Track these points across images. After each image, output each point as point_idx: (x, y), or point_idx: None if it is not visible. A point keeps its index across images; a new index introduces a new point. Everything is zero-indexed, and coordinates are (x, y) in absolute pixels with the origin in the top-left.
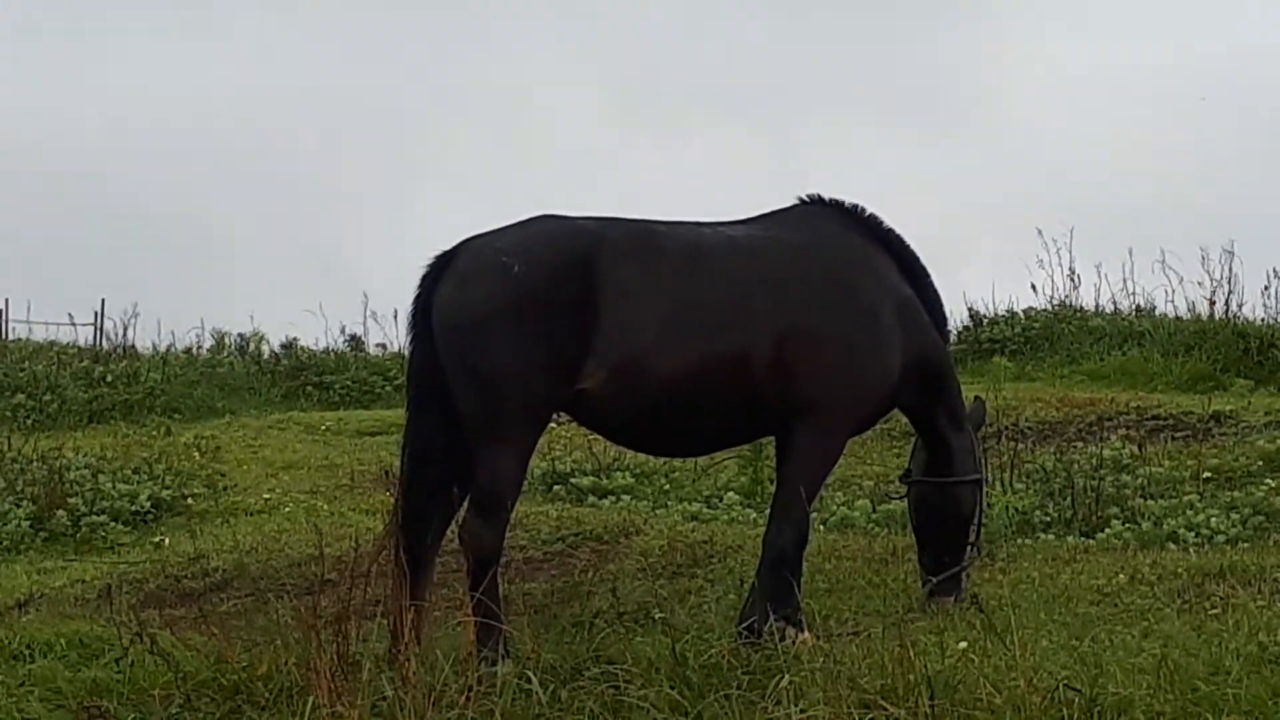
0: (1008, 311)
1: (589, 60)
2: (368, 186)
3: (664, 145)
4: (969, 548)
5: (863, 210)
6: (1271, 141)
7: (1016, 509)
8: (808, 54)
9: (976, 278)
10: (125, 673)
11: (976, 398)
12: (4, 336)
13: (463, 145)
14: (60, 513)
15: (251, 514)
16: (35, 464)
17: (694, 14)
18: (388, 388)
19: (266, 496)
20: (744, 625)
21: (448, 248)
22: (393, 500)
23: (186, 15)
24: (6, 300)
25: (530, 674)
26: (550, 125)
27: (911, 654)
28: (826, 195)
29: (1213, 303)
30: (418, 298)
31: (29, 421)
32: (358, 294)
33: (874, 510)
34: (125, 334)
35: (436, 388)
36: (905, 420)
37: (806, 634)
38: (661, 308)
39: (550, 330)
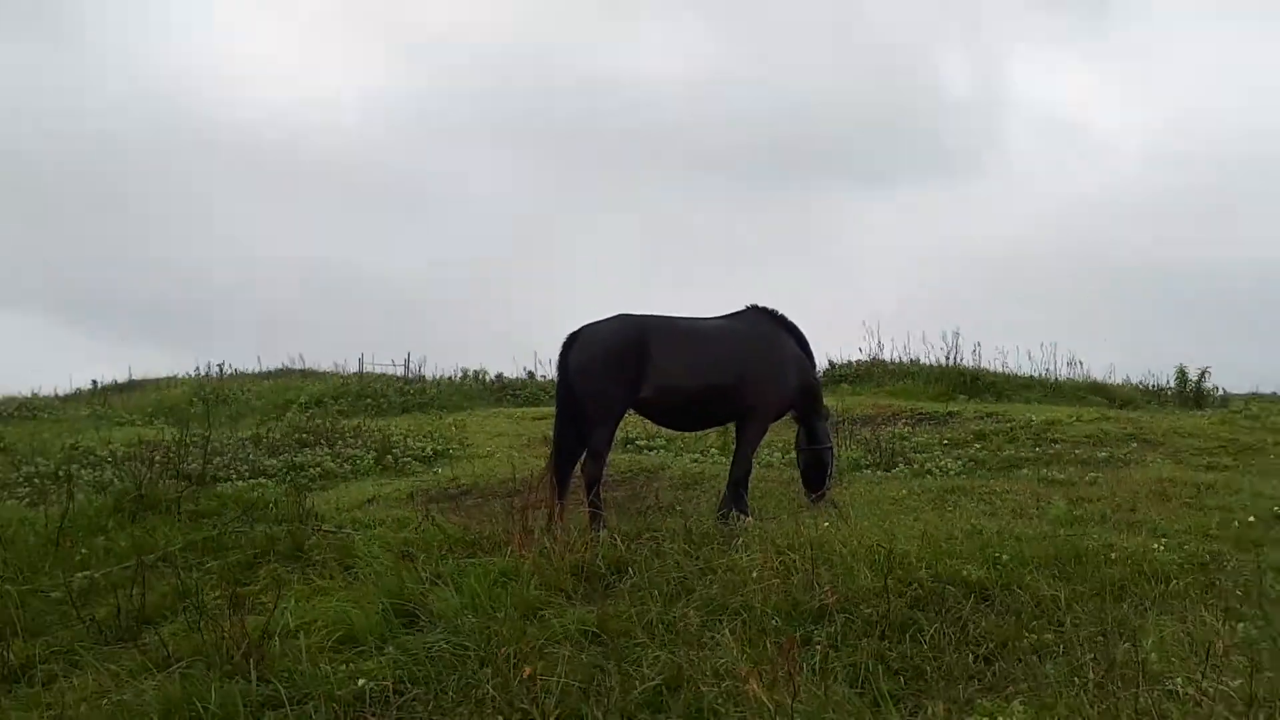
0: (848, 361)
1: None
2: (540, 286)
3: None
4: (827, 479)
5: (778, 311)
6: (986, 266)
7: (851, 458)
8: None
9: (833, 344)
10: (420, 535)
11: (826, 406)
12: (362, 370)
13: (589, 256)
14: (388, 456)
15: (480, 457)
16: (375, 432)
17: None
18: (546, 396)
19: (488, 449)
20: (719, 513)
21: (574, 329)
22: (549, 451)
23: None
24: (363, 353)
25: (615, 537)
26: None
27: (800, 528)
28: (760, 303)
29: (948, 357)
30: (561, 355)
31: (373, 412)
32: (532, 349)
33: (783, 458)
34: (420, 369)
35: (568, 400)
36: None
37: (749, 519)
38: (681, 359)
39: (624, 371)
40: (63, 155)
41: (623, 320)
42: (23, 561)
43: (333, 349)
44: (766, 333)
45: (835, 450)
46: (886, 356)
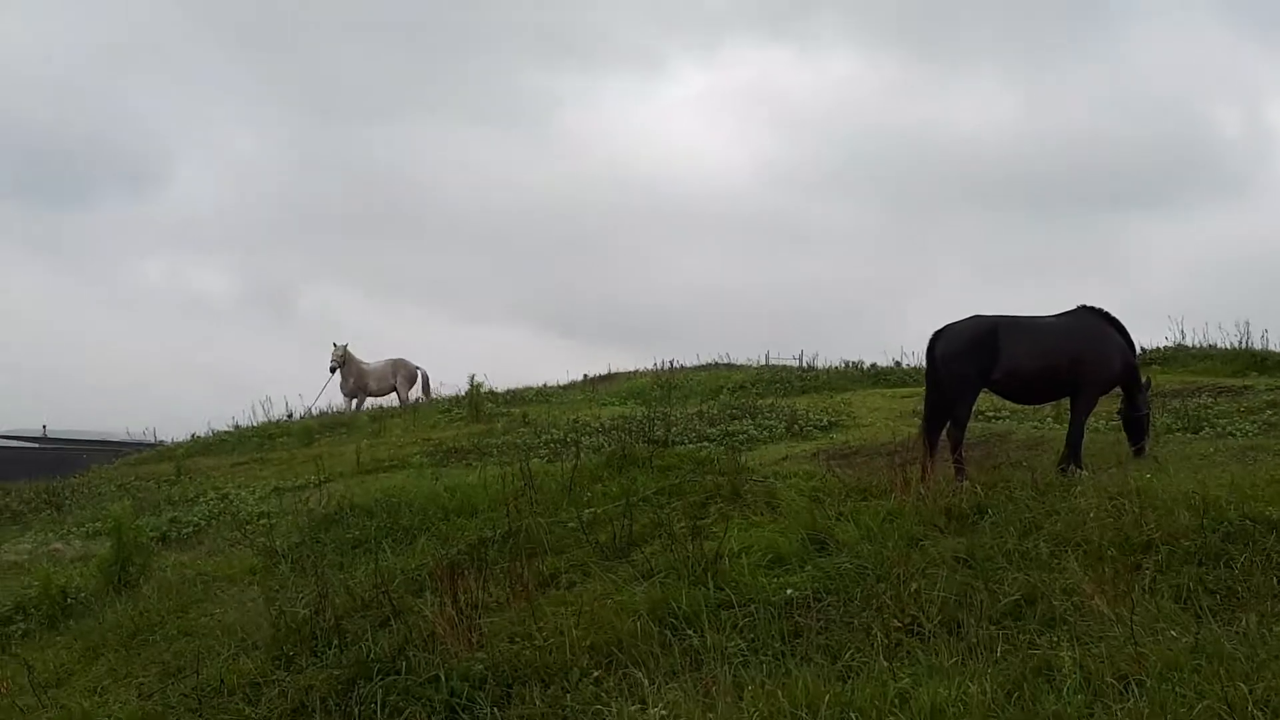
0: (1156, 347)
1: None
2: (899, 294)
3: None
4: (1145, 436)
5: (1103, 308)
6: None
7: (1164, 424)
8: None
9: (1144, 335)
10: (824, 484)
11: (1146, 378)
12: (768, 362)
13: (936, 272)
14: (795, 426)
15: (864, 426)
16: (784, 409)
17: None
18: (912, 379)
19: (869, 421)
20: (1060, 468)
21: (939, 328)
22: (921, 421)
23: None
24: (768, 350)
25: (975, 486)
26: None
27: (1127, 478)
28: (1089, 303)
29: (1240, 342)
30: (929, 347)
31: (780, 393)
32: (899, 344)
33: (1106, 425)
34: (814, 361)
35: (936, 381)
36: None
37: (1084, 472)
38: (1025, 348)
39: (980, 358)
40: (536, 216)
41: (978, 319)
42: (548, 501)
43: (747, 347)
44: (1094, 325)
45: (1151, 415)
46: (1189, 343)
